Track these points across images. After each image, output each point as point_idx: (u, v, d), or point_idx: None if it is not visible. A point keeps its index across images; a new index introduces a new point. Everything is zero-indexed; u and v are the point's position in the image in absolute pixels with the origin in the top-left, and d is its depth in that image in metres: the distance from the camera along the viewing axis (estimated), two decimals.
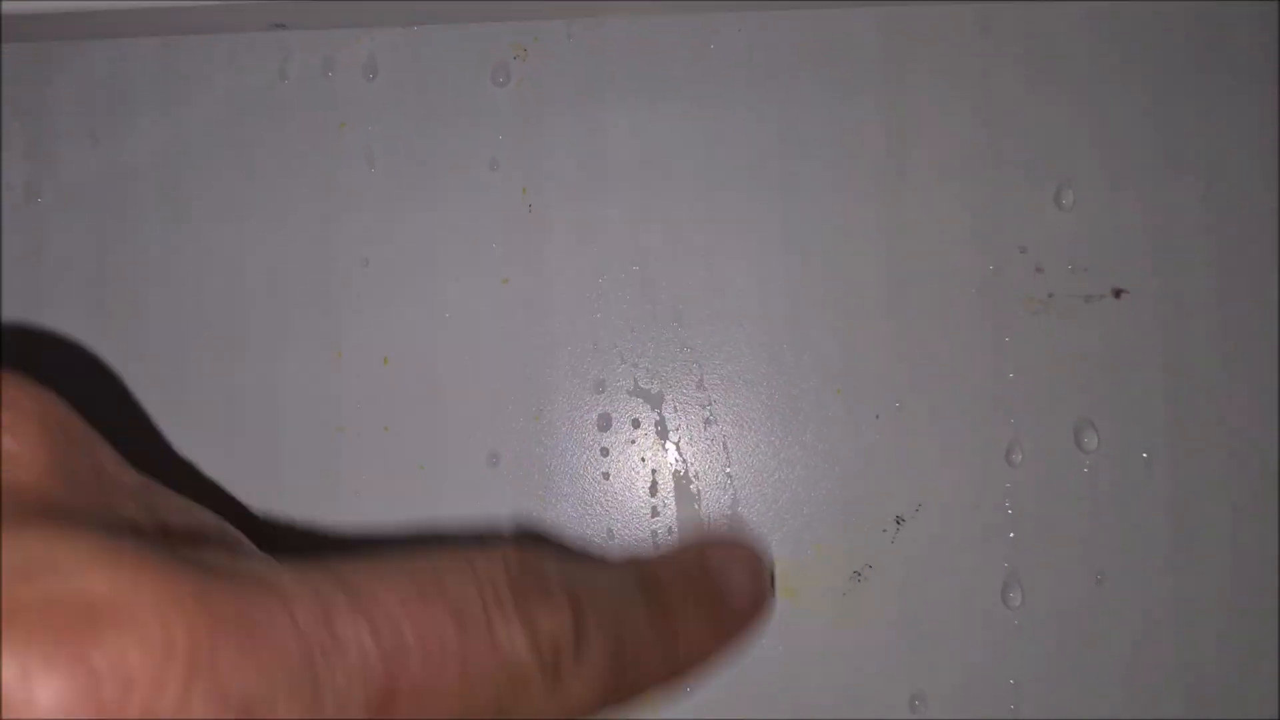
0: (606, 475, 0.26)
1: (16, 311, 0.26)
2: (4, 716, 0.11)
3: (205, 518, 0.17)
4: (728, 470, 0.26)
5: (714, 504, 0.26)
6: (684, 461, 0.26)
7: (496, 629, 0.16)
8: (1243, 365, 0.25)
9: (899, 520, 0.25)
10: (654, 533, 0.26)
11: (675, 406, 0.26)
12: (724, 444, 0.26)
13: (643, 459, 0.26)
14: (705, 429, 0.26)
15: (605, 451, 0.26)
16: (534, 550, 0.18)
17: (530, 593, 0.17)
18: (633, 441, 0.26)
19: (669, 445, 0.26)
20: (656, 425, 0.26)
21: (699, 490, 0.26)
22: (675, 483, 0.26)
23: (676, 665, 0.20)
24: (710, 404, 0.26)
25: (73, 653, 0.12)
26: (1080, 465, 0.25)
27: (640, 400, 0.26)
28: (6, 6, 0.24)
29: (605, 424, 0.26)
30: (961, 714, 0.25)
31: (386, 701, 0.14)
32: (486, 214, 0.26)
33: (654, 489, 0.26)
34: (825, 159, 0.26)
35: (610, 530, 0.26)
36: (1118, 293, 0.26)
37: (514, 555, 0.17)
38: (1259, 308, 0.25)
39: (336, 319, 0.26)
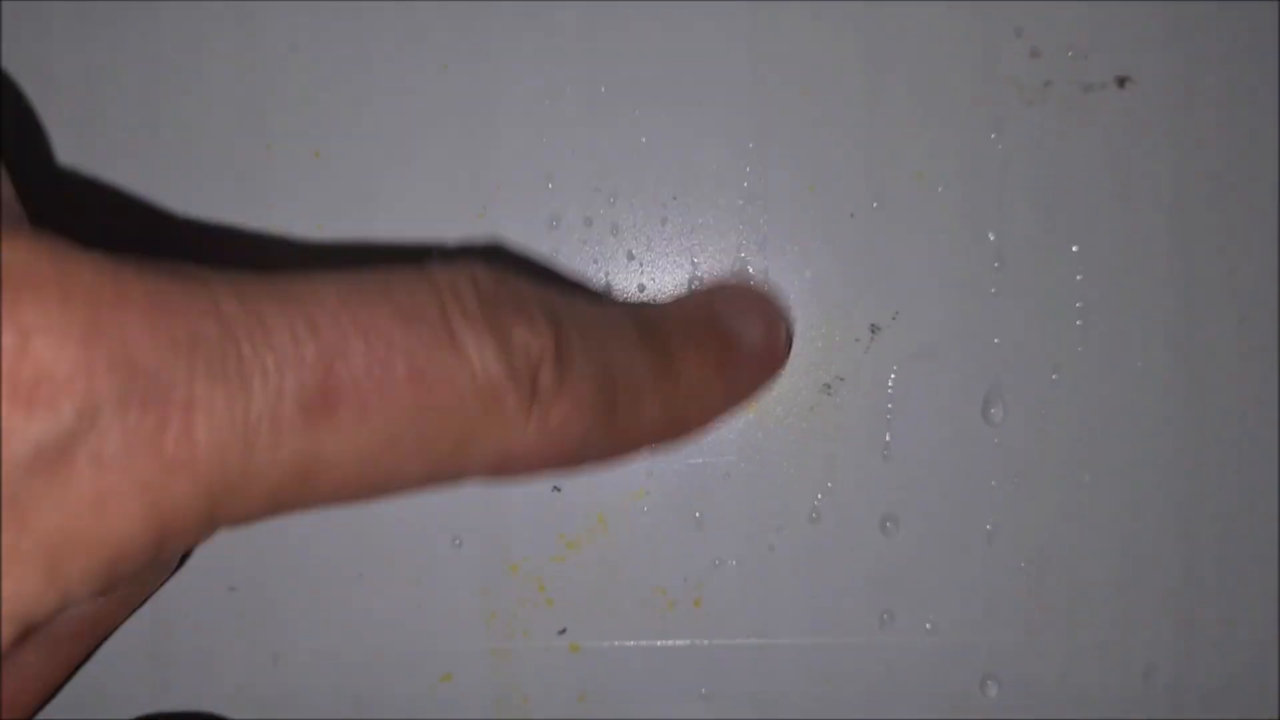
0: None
1: None
2: None
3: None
4: (687, 275, 0.24)
5: None
6: (639, 265, 0.24)
7: (460, 334, 0.15)
8: (1253, 161, 0.23)
9: (874, 329, 0.23)
10: None
11: (631, 203, 0.24)
12: (681, 244, 0.24)
13: (595, 261, 0.24)
14: (663, 228, 0.24)
15: (555, 251, 0.24)
16: (511, 273, 0.16)
17: (503, 306, 0.15)
18: (585, 242, 0.24)
19: (623, 247, 0.24)
20: (611, 225, 0.24)
21: (654, 298, 0.24)
22: (630, 289, 0.24)
23: (677, 415, 0.18)
24: (668, 202, 0.24)
25: None
26: (1073, 272, 0.23)
27: (594, 194, 0.24)
28: None
29: (555, 222, 0.24)
30: (935, 535, 0.23)
31: (327, 399, 0.14)
32: None
33: (607, 293, 0.24)
34: None
35: None
36: (1122, 81, 0.23)
37: (486, 273, 0.16)
38: (1273, 93, 0.23)
39: (263, 110, 0.24)
